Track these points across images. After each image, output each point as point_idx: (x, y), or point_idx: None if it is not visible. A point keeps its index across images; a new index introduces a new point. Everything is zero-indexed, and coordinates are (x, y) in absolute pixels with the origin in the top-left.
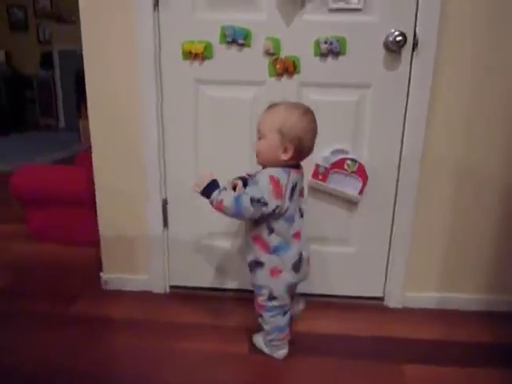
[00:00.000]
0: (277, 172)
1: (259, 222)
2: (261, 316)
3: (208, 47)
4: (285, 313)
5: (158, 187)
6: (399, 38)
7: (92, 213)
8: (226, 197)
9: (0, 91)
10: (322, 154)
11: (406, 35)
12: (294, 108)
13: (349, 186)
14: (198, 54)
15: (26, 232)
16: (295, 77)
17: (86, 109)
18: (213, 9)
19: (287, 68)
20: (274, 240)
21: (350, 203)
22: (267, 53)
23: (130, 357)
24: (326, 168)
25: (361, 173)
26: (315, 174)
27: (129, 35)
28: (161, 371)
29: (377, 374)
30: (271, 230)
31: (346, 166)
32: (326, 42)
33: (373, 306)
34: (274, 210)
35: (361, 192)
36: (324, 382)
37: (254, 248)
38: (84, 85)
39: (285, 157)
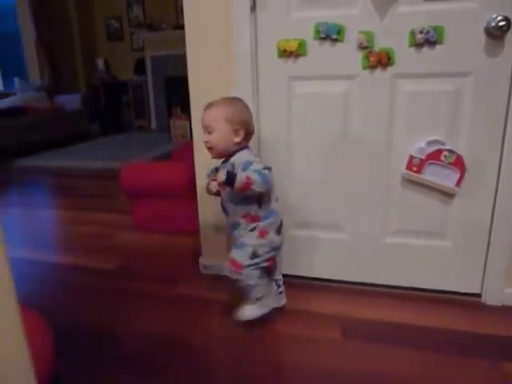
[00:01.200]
0: (245, 153)
1: (250, 199)
2: (241, 280)
3: (302, 44)
4: (263, 270)
5: None
6: (502, 23)
7: (190, 204)
8: (250, 174)
9: (100, 96)
10: (416, 145)
11: (510, 19)
12: (230, 99)
13: (445, 178)
14: (292, 52)
15: (132, 222)
16: (389, 68)
17: (176, 110)
18: (307, 7)
19: (381, 60)
20: (261, 212)
21: (446, 195)
22: (360, 46)
23: (225, 335)
24: (421, 159)
25: (459, 164)
26: (409, 166)
27: (227, 36)
28: (254, 352)
29: (473, 370)
30: (260, 205)
31: (442, 158)
32: (421, 32)
33: (469, 302)
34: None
35: (458, 184)
36: (415, 373)
37: (242, 223)
38: (172, 87)
39: (238, 139)
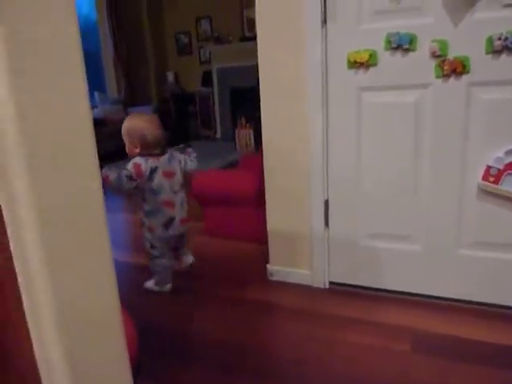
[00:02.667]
0: (138, 159)
1: (140, 195)
2: (149, 263)
3: (373, 55)
4: (164, 258)
5: (320, 188)
6: None
7: (258, 212)
8: (112, 174)
9: (170, 107)
10: (494, 154)
11: None
12: (133, 116)
13: None
14: (362, 63)
15: (204, 228)
16: (464, 77)
17: (241, 120)
18: (377, 18)
19: (455, 68)
20: (146, 206)
21: None
22: (433, 55)
23: (291, 341)
24: (498, 169)
25: None
26: (486, 176)
27: (298, 49)
28: (320, 357)
29: None
30: (143, 199)
31: None
32: (500, 39)
33: None
34: (137, 184)
35: None
36: None
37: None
38: (237, 98)
39: (137, 150)
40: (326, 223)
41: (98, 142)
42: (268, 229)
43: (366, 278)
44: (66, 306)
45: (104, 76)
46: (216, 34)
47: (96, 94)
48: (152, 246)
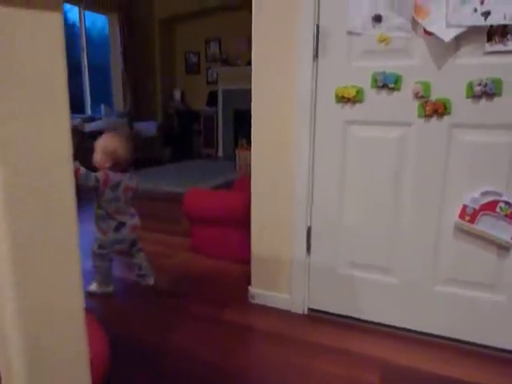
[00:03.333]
0: (107, 171)
1: (96, 199)
2: (93, 263)
3: (360, 92)
4: (109, 260)
5: (304, 215)
6: None
7: (244, 232)
8: (82, 169)
9: (174, 124)
10: (470, 194)
11: None
12: (110, 135)
13: (500, 230)
14: (349, 98)
15: (190, 245)
16: (445, 118)
17: (242, 141)
18: (366, 57)
19: (437, 110)
20: (98, 211)
21: (502, 248)
22: (417, 96)
23: (265, 365)
24: (474, 209)
25: None
26: (462, 215)
27: (290, 80)
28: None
29: None
30: (98, 205)
31: (498, 209)
32: (479, 84)
33: None
34: (98, 188)
35: None
36: None
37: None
38: (240, 119)
39: (107, 164)
40: (308, 249)
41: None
42: (252, 251)
43: (343, 306)
44: (32, 310)
45: (111, 89)
46: (224, 56)
47: (102, 106)
48: (100, 247)
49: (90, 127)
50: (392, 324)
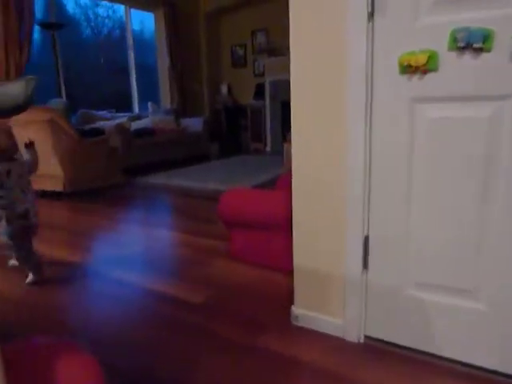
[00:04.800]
0: None
1: None
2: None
3: (433, 57)
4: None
5: (360, 221)
6: None
7: (289, 238)
8: None
9: (221, 119)
10: None
11: None
12: None
13: None
14: (418, 67)
15: (228, 250)
16: None
17: (289, 134)
18: (440, 10)
19: None
20: None
21: None
22: None
23: None
24: None
25: None
26: None
27: (337, 49)
28: None
29: None
30: None
31: None
32: None
33: None
34: None
35: None
36: None
37: None
38: (288, 111)
39: None
40: (365, 264)
41: (146, 151)
42: (294, 262)
43: (409, 336)
44: None
45: (159, 87)
46: (271, 46)
47: (149, 104)
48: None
49: (137, 125)
50: (475, 363)
